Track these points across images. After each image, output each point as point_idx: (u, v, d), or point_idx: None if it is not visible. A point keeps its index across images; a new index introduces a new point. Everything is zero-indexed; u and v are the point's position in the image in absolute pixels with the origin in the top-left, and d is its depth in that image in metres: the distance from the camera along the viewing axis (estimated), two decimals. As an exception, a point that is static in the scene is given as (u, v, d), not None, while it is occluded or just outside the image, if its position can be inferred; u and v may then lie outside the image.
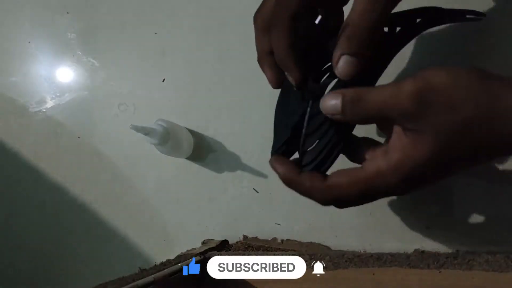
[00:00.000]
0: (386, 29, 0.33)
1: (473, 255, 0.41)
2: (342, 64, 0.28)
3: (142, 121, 0.60)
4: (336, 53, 0.28)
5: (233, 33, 0.57)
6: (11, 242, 0.63)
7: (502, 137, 0.25)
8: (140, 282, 0.36)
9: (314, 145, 0.31)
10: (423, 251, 0.48)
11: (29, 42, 0.64)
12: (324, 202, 0.30)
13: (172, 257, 0.49)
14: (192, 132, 0.57)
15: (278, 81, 0.34)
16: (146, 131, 0.47)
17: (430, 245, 0.49)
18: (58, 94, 0.63)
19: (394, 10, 0.30)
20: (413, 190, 0.28)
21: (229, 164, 0.56)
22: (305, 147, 0.32)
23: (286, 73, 0.31)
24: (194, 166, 0.58)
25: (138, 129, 0.46)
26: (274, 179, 0.54)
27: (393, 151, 0.27)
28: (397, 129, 0.28)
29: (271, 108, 0.57)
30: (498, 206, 0.48)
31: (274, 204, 0.54)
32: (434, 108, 0.25)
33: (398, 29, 0.34)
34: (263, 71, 0.34)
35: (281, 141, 0.34)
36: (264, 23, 0.32)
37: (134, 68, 0.60)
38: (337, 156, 0.32)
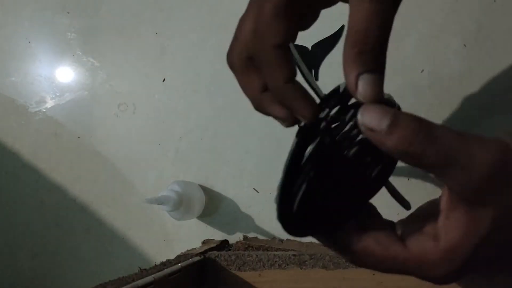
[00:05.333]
0: None
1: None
2: (363, 86, 0.22)
3: (142, 122, 0.60)
4: (351, 76, 0.22)
5: (233, 33, 0.57)
6: (11, 242, 0.63)
7: None
8: (140, 282, 0.36)
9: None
10: (423, 251, 0.48)
11: (29, 42, 0.64)
12: (350, 260, 0.25)
13: (172, 257, 0.49)
14: (192, 131, 0.58)
15: (292, 116, 0.26)
16: (160, 201, 0.47)
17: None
18: (58, 94, 0.63)
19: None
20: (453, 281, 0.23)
21: (229, 164, 0.56)
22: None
23: (294, 112, 0.25)
24: (193, 166, 0.58)
25: (152, 201, 0.46)
26: (274, 179, 0.54)
27: (449, 229, 0.22)
28: (451, 197, 0.22)
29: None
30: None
31: (274, 204, 0.54)
32: (506, 187, 0.21)
33: None
34: (270, 113, 0.27)
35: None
36: (243, 62, 0.27)
37: (134, 68, 0.60)
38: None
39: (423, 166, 0.21)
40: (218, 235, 0.56)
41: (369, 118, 0.21)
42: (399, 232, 0.24)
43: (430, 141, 0.20)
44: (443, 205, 0.22)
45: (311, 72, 0.33)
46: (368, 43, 0.21)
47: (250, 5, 0.27)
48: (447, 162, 0.20)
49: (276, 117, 0.27)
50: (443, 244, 0.22)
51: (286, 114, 0.26)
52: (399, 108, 0.23)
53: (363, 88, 0.22)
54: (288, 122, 0.26)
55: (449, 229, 0.22)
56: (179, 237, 0.58)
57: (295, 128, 0.26)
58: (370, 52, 0.22)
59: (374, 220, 0.25)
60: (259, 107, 0.27)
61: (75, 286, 0.60)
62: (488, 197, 0.21)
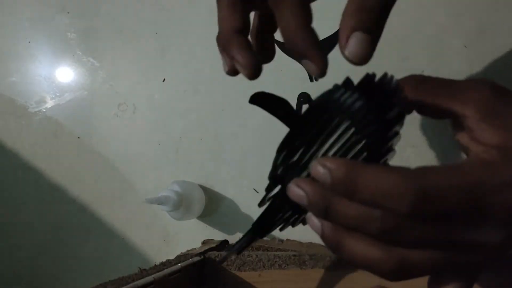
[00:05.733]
0: None
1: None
2: (353, 43, 0.21)
3: (142, 122, 0.60)
4: (344, 30, 0.21)
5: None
6: (11, 242, 0.63)
7: None
8: (140, 282, 0.36)
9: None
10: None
11: (29, 42, 0.64)
12: (410, 201, 0.19)
13: (172, 257, 0.49)
14: (192, 131, 0.57)
15: (255, 64, 0.25)
16: (160, 201, 0.47)
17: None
18: (58, 94, 0.63)
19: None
20: None
21: (229, 164, 0.56)
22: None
23: (304, 62, 0.24)
24: (193, 166, 0.58)
25: (152, 201, 0.46)
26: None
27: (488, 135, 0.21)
28: (471, 125, 0.23)
29: (271, 108, 0.58)
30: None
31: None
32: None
33: None
34: (230, 53, 0.26)
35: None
36: None
37: (134, 68, 0.60)
38: None
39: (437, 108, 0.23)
40: (218, 235, 0.56)
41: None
42: None
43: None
44: (470, 133, 0.23)
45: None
46: (369, 1, 0.21)
47: None
48: (454, 96, 0.23)
49: (240, 61, 0.26)
50: (493, 147, 0.21)
51: (250, 60, 0.25)
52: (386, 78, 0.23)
53: (353, 45, 0.21)
54: (252, 69, 0.25)
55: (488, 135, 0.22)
56: (179, 237, 0.58)
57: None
58: (370, 11, 0.21)
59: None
60: (224, 43, 0.26)
61: (75, 286, 0.60)
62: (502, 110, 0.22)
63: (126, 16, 0.61)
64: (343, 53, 0.22)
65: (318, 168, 0.21)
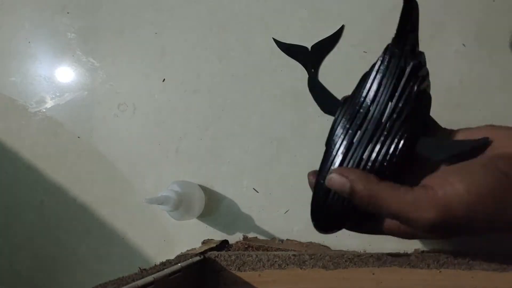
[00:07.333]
0: None
1: (473, 255, 0.41)
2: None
3: (142, 122, 0.60)
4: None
5: (233, 33, 0.57)
6: (11, 242, 0.63)
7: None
8: (140, 282, 0.36)
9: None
10: (423, 251, 0.48)
11: (29, 42, 0.64)
12: (436, 218, 0.24)
13: (172, 257, 0.49)
14: (192, 131, 0.57)
15: None
16: (160, 201, 0.47)
17: (430, 245, 0.49)
18: (57, 94, 0.63)
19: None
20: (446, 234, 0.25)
21: (229, 164, 0.56)
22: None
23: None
24: (193, 166, 0.58)
25: (152, 201, 0.46)
26: (274, 179, 0.54)
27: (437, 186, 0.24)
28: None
29: (271, 108, 0.58)
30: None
31: (274, 204, 0.54)
32: (454, 231, 0.25)
33: None
34: None
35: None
36: None
37: (134, 68, 0.60)
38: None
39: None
40: (218, 235, 0.56)
41: (333, 184, 0.27)
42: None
43: (380, 209, 0.26)
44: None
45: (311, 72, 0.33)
46: None
47: None
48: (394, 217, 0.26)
49: None
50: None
51: None
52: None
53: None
54: None
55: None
56: (179, 237, 0.58)
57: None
58: None
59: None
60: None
61: (75, 286, 0.60)
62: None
63: (126, 16, 0.61)
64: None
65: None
